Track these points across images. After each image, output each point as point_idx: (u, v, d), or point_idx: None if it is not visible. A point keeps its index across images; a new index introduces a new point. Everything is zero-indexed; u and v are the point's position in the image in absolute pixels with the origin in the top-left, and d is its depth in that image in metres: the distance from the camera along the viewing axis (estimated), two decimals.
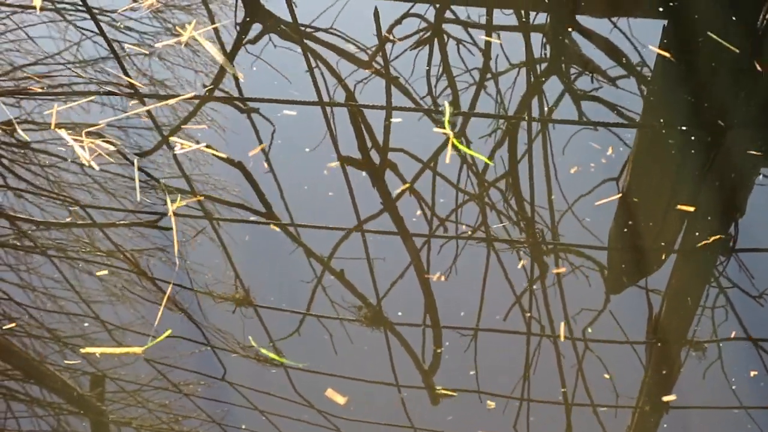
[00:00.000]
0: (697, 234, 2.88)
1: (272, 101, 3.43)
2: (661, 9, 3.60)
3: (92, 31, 3.95)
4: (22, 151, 3.51)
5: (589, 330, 2.73)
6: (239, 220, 3.11)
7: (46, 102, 3.70)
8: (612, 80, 3.43)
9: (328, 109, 3.46)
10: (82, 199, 3.30)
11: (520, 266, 2.88)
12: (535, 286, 2.84)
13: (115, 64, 3.80)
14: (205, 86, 3.64)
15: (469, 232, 3.00)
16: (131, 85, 3.59)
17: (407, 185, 3.16)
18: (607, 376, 2.64)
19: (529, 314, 2.77)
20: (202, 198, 3.19)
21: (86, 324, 2.92)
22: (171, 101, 3.53)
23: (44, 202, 3.31)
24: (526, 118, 3.25)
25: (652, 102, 3.33)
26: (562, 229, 3.00)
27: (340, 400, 2.64)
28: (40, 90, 3.64)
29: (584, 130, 3.30)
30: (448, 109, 3.24)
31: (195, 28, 3.91)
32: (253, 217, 3.13)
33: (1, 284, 3.09)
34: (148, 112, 3.51)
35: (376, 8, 3.77)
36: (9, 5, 4.15)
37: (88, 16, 4.02)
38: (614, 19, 3.68)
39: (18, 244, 3.16)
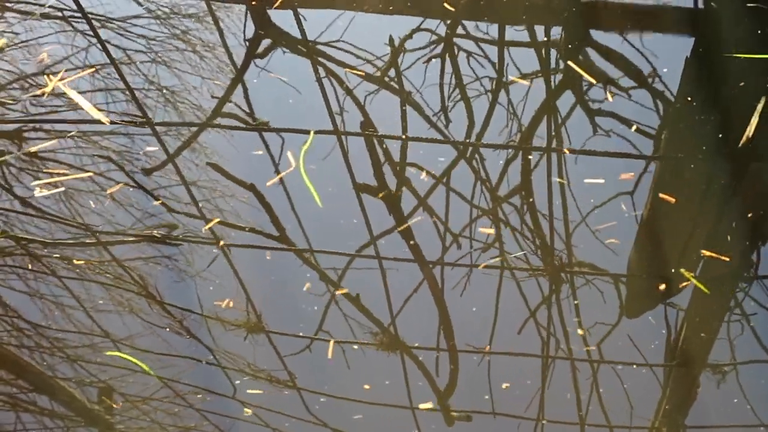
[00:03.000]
0: (719, 261, 2.87)
1: (285, 130, 3.38)
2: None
3: (93, 36, 3.94)
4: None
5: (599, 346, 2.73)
6: (252, 245, 3.07)
7: (54, 110, 3.68)
8: (626, 91, 3.41)
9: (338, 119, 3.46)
10: (88, 206, 3.28)
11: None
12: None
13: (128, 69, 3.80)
14: (213, 96, 3.62)
15: (483, 248, 2.99)
16: (142, 113, 3.56)
17: (421, 201, 3.16)
18: (623, 389, 2.63)
19: (546, 331, 2.76)
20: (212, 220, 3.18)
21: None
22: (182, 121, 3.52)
23: (53, 204, 3.30)
24: (545, 147, 3.22)
25: (675, 126, 3.29)
26: (574, 239, 2.99)
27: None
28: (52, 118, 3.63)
29: (598, 138, 3.28)
30: (311, 136, 3.23)
31: (201, 34, 3.90)
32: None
33: (8, 293, 3.08)
34: (155, 132, 3.48)
35: (391, 37, 3.74)
36: (16, 11, 4.14)
37: (97, 24, 4.00)
38: (630, 35, 3.65)
39: (29, 266, 3.15)
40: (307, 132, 3.34)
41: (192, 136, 3.48)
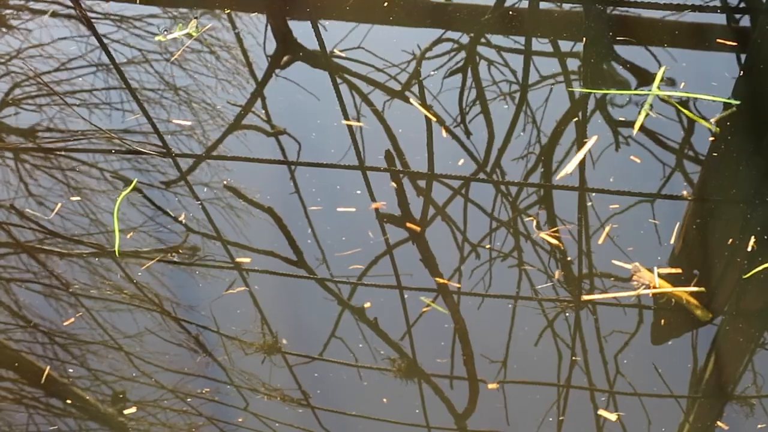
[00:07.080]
0: (749, 296, 2.81)
1: (309, 165, 3.33)
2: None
3: (106, 35, 3.93)
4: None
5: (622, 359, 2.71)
6: (270, 272, 3.04)
7: (68, 107, 3.68)
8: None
9: (357, 129, 3.44)
10: (102, 206, 3.28)
11: None
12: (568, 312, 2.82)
13: (138, 69, 3.78)
14: (229, 102, 3.59)
15: (501, 257, 2.98)
16: (162, 142, 3.53)
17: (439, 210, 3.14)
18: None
19: (571, 351, 2.75)
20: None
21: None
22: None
23: (64, 208, 3.29)
24: (578, 187, 3.15)
25: (713, 162, 3.16)
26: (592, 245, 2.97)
27: None
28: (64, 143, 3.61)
29: (622, 144, 3.25)
30: (133, 184, 3.26)
31: (218, 33, 3.87)
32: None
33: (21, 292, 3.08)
34: (176, 164, 3.46)
35: (415, 54, 3.68)
36: (28, 9, 4.13)
37: (109, 22, 3.98)
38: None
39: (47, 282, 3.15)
40: (328, 166, 3.32)
41: (201, 157, 3.46)
